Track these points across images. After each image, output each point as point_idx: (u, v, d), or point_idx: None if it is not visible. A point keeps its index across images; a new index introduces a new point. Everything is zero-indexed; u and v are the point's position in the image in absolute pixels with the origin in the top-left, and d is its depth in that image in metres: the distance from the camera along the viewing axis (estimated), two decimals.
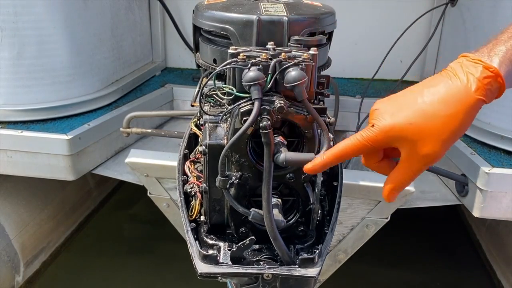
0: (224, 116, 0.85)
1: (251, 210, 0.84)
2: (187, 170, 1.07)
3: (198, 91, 1.14)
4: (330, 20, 1.07)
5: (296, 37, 0.93)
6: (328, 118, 0.95)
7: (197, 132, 1.12)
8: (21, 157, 1.72)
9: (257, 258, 0.88)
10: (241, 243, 0.85)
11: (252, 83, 0.78)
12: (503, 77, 0.71)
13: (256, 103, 0.77)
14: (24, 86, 1.75)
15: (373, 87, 2.25)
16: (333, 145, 1.03)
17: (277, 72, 0.80)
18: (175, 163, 1.12)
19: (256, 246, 0.91)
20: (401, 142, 0.73)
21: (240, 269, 0.85)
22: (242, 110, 0.79)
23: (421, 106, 0.72)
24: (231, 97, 0.83)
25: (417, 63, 2.13)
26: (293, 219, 0.92)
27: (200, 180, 1.01)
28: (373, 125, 0.74)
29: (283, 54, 0.81)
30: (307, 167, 0.78)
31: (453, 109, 0.71)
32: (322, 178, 0.92)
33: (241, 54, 0.81)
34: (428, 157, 0.72)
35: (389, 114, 0.73)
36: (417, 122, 0.71)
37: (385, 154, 0.79)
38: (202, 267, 0.84)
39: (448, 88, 0.72)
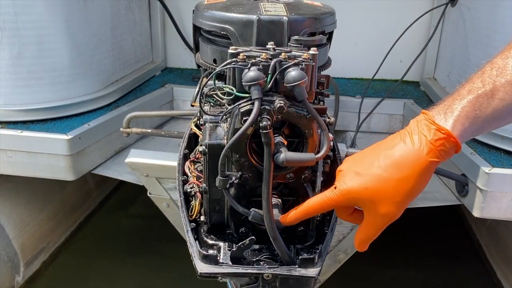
0: (224, 116, 0.85)
1: (251, 210, 0.84)
2: (187, 170, 1.07)
3: (198, 91, 1.14)
4: (330, 20, 1.07)
5: (296, 37, 0.93)
6: (328, 118, 0.95)
7: (197, 132, 1.12)
8: (21, 157, 1.72)
9: (257, 258, 0.88)
10: (241, 243, 0.85)
11: (252, 83, 0.78)
12: (457, 136, 0.74)
13: (256, 103, 0.77)
14: (24, 86, 1.75)
15: (373, 87, 2.25)
16: (333, 145, 1.04)
17: (277, 72, 0.80)
18: (175, 163, 1.12)
19: (256, 246, 0.91)
20: (360, 204, 0.81)
21: (240, 269, 0.85)
22: (242, 110, 0.79)
23: (376, 171, 0.78)
24: (231, 97, 0.83)
25: (417, 63, 2.13)
26: None
27: (200, 180, 1.01)
28: (335, 187, 0.81)
29: (283, 54, 0.81)
30: (282, 220, 0.85)
31: (406, 172, 0.76)
32: (322, 178, 0.92)
33: (241, 54, 0.81)
34: (385, 217, 0.79)
35: (349, 178, 0.80)
36: (372, 186, 0.77)
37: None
38: (202, 267, 0.84)
39: (402, 151, 0.77)
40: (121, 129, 1.81)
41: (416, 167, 0.75)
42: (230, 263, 0.86)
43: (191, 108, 1.28)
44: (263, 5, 1.03)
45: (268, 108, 0.78)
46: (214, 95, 0.98)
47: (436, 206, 1.71)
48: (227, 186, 0.84)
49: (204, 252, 0.85)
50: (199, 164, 1.06)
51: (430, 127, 0.75)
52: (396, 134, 0.81)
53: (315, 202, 0.83)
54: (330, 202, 0.81)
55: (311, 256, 0.85)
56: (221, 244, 0.91)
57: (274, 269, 0.84)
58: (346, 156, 1.64)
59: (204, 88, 0.98)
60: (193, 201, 0.99)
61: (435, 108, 0.78)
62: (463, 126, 0.75)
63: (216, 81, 0.89)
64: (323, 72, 1.11)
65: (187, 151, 1.13)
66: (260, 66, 0.79)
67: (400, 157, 0.76)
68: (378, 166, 0.77)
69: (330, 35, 1.13)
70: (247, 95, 0.79)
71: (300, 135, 0.84)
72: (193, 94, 1.28)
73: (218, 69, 0.83)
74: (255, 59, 0.80)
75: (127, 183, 1.82)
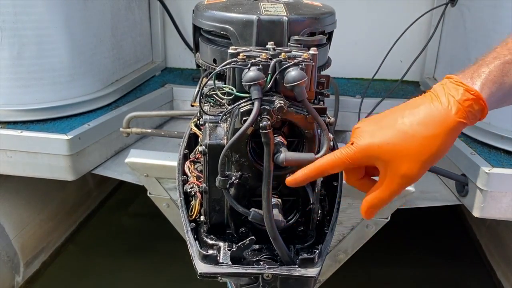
0: (224, 116, 0.85)
1: (251, 210, 0.84)
2: (187, 170, 1.07)
3: (198, 91, 1.14)
4: (330, 20, 1.07)
5: (296, 37, 0.93)
6: (328, 118, 0.95)
7: (197, 132, 1.12)
8: (21, 157, 1.72)
9: (257, 258, 0.88)
10: (241, 243, 0.85)
11: (252, 83, 0.78)
12: (485, 99, 0.72)
13: (256, 103, 0.77)
14: (24, 86, 1.75)
15: (373, 87, 2.25)
16: (333, 145, 1.04)
17: (277, 72, 0.80)
18: (175, 163, 1.12)
19: (256, 246, 0.90)
20: (379, 162, 0.75)
21: (240, 269, 0.85)
22: (242, 110, 0.79)
23: (401, 127, 0.73)
24: (231, 97, 0.83)
25: (417, 63, 2.13)
26: (293, 219, 0.91)
27: (200, 180, 1.01)
28: (352, 143, 0.76)
29: (283, 54, 0.81)
30: (288, 180, 0.80)
31: (433, 131, 0.72)
32: (322, 178, 0.92)
33: (241, 54, 0.81)
34: (405, 177, 0.74)
35: (369, 133, 0.75)
36: (395, 142, 0.73)
37: (367, 172, 0.82)
38: (202, 267, 0.84)
39: (429, 110, 0.74)
40: (121, 129, 1.81)
41: (444, 126, 0.72)
42: (230, 263, 0.86)
43: (191, 108, 1.28)
44: (263, 5, 1.03)
45: (268, 108, 0.78)
46: (214, 95, 0.98)
47: (436, 206, 1.71)
48: (227, 186, 0.84)
49: (204, 252, 0.85)
50: (199, 164, 1.06)
51: (457, 88, 0.73)
52: (419, 97, 0.78)
53: (327, 160, 0.77)
54: (345, 160, 0.75)
55: (311, 256, 0.85)
56: (221, 244, 0.91)
57: (274, 269, 0.84)
58: None
59: (204, 88, 0.98)
60: (193, 201, 0.99)
61: (459, 74, 0.76)
62: (491, 89, 0.73)
63: (216, 81, 0.89)
64: (323, 72, 1.11)
65: (187, 151, 1.13)
66: (260, 66, 0.79)
67: (426, 116, 0.73)
68: (402, 123, 0.74)
69: (330, 35, 1.13)
70: (247, 95, 0.79)
71: (300, 135, 0.84)
72: (193, 94, 1.27)
73: (218, 69, 0.83)
74: (255, 59, 0.80)
75: (127, 183, 1.82)
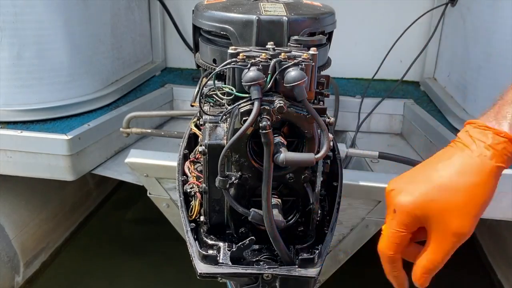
0: (224, 116, 0.85)
1: (250, 210, 0.84)
2: (186, 170, 1.07)
3: (198, 91, 1.14)
4: (330, 20, 1.07)
5: (296, 37, 0.93)
6: (328, 118, 0.95)
7: (197, 132, 1.12)
8: (21, 157, 1.72)
9: (257, 258, 0.88)
10: (240, 243, 0.85)
11: (252, 83, 0.77)
12: None
13: (256, 103, 0.77)
14: (24, 86, 1.75)
15: (373, 87, 2.25)
16: (333, 145, 1.03)
17: (276, 72, 0.80)
18: (175, 163, 1.12)
19: (256, 246, 0.90)
20: (427, 221, 0.70)
21: (239, 269, 0.85)
22: (241, 110, 0.79)
23: (439, 180, 0.70)
24: (231, 97, 0.82)
25: (417, 63, 2.13)
26: (293, 219, 0.91)
27: (200, 180, 1.01)
28: (394, 210, 0.71)
29: (282, 54, 0.81)
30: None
31: (474, 179, 0.69)
32: (322, 178, 0.92)
33: (240, 54, 0.81)
34: (458, 234, 0.69)
35: (408, 193, 0.71)
36: (439, 198, 0.69)
37: (410, 238, 0.77)
38: (201, 267, 0.84)
39: (463, 159, 0.70)
40: (121, 129, 1.81)
41: (483, 173, 0.69)
42: (229, 263, 0.86)
43: (191, 108, 1.28)
44: (263, 5, 1.03)
45: (268, 108, 0.78)
46: (213, 95, 0.98)
47: None
48: (227, 186, 0.84)
49: (204, 253, 0.85)
50: (199, 164, 1.06)
51: (485, 133, 0.70)
52: (446, 149, 0.74)
53: (386, 243, 0.72)
54: (400, 229, 0.71)
55: (311, 256, 0.85)
56: (221, 244, 0.91)
57: (274, 269, 0.84)
58: (346, 156, 1.63)
59: (204, 88, 0.98)
60: (193, 201, 0.99)
61: (481, 117, 0.73)
62: None
63: (216, 81, 0.89)
64: (323, 72, 1.11)
65: (187, 151, 1.13)
66: (260, 66, 0.79)
67: (462, 165, 0.69)
68: (439, 176, 0.70)
69: (330, 35, 1.13)
70: (247, 95, 0.79)
71: (300, 135, 0.84)
72: (193, 94, 1.27)
73: (217, 69, 0.83)
74: (254, 59, 0.80)
75: (127, 183, 1.82)
